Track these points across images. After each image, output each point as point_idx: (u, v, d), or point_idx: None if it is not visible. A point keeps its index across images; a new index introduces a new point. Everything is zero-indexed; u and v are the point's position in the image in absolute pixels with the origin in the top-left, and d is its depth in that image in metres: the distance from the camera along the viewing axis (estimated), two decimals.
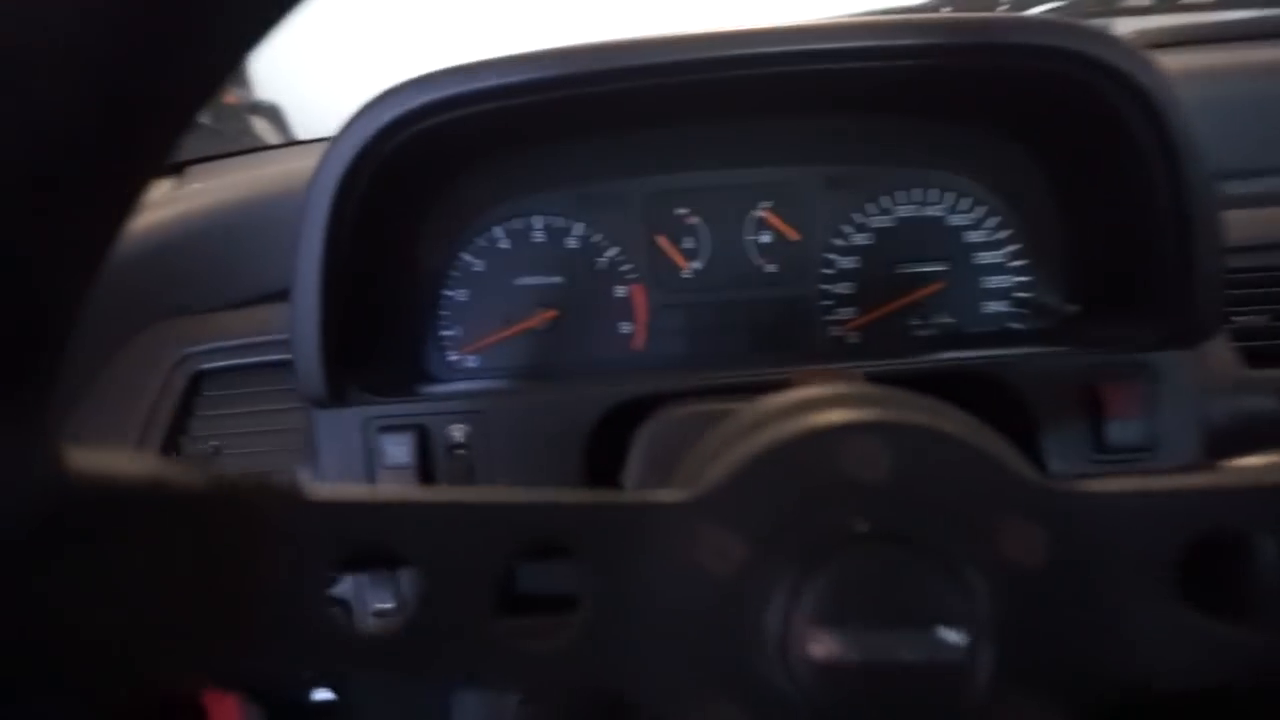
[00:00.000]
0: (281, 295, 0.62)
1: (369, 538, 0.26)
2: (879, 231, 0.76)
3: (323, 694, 1.21)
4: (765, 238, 0.77)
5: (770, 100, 0.67)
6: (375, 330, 0.70)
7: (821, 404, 0.31)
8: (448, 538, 0.26)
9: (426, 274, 0.76)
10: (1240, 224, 0.82)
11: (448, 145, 0.65)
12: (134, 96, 0.19)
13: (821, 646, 0.27)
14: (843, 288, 0.77)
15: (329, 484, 0.66)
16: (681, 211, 0.77)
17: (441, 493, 0.27)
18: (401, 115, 0.57)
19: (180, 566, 0.25)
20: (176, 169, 1.12)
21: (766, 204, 0.77)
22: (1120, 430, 0.60)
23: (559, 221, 0.77)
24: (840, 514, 0.29)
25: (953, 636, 0.27)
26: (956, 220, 0.76)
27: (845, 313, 0.77)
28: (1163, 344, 0.61)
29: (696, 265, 0.77)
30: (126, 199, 0.21)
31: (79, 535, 0.23)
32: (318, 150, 0.60)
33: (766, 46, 0.59)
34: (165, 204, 0.94)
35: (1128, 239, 0.64)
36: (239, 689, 0.65)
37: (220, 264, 0.91)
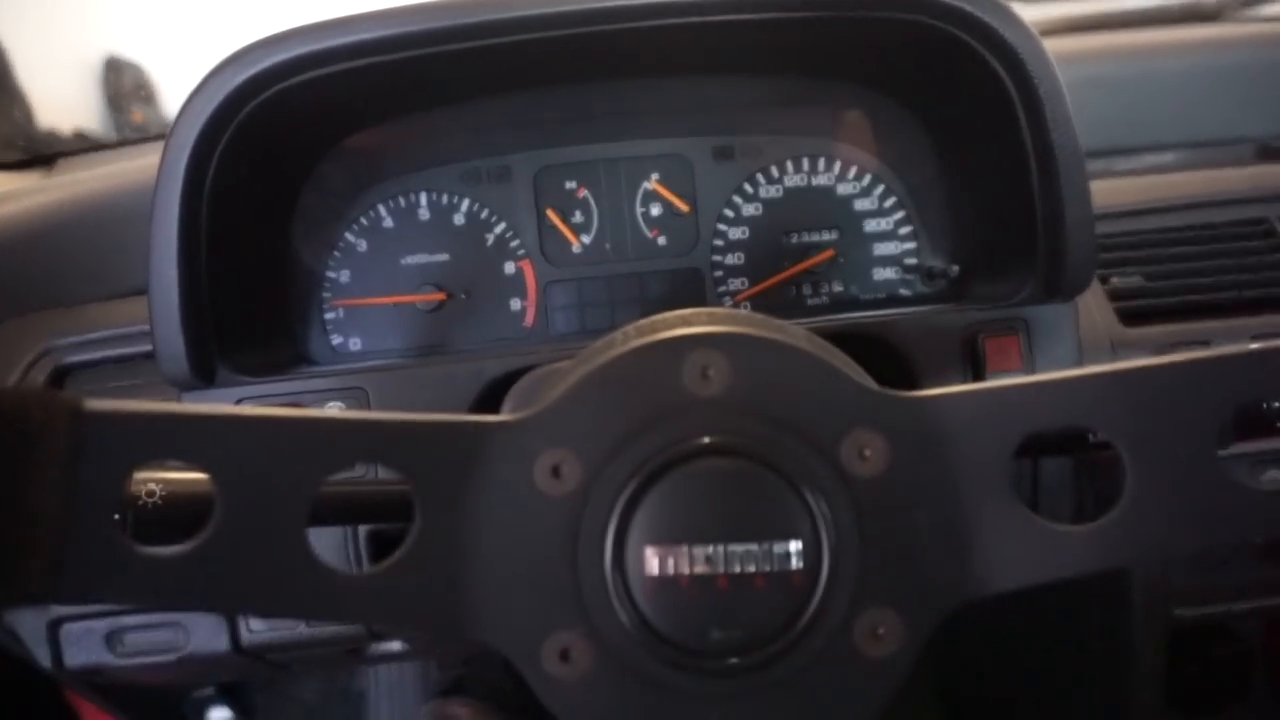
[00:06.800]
0: None
1: (161, 452, 0.24)
2: (768, 202, 0.76)
3: (220, 713, 1.15)
4: (655, 210, 0.76)
5: (652, 62, 0.67)
6: (250, 311, 0.66)
7: (664, 324, 0.30)
8: (254, 454, 0.24)
9: (306, 255, 0.73)
10: (1115, 191, 0.85)
11: (314, 114, 0.63)
12: None
13: (657, 563, 0.26)
14: (733, 259, 0.76)
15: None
16: (570, 185, 0.76)
17: (251, 410, 0.25)
18: (252, 76, 0.55)
19: None
20: (46, 161, 1.06)
21: (655, 176, 0.76)
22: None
23: (445, 198, 0.75)
24: (678, 428, 0.28)
25: (792, 547, 0.27)
26: (844, 189, 0.77)
27: (737, 283, 0.76)
28: (1038, 298, 0.62)
29: (586, 239, 0.76)
30: None
31: None
32: None
33: None
34: (31, 194, 0.89)
35: (1002, 197, 0.65)
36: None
37: (89, 257, 0.86)
